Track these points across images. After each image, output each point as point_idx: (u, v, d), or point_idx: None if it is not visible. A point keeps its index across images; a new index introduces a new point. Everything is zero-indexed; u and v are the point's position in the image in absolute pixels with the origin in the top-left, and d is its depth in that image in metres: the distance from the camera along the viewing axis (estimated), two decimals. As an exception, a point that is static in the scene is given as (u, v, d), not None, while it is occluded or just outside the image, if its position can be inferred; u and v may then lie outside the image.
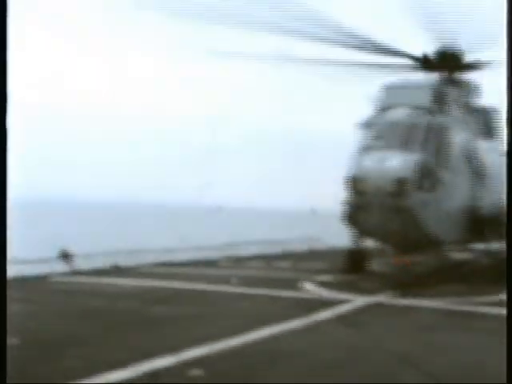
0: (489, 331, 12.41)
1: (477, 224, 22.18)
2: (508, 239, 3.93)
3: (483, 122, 25.74)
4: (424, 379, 8.55)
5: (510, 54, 4.34)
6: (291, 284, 18.92)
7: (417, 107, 20.64)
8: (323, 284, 19.03)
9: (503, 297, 17.10)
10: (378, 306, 15.70)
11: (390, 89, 21.59)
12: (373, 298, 16.52)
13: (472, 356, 10.35)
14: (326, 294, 17.21)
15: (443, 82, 22.67)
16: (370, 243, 22.12)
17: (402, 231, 18.66)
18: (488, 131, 25.92)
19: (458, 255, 32.55)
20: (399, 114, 20.46)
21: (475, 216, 22.15)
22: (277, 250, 31.81)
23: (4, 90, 3.52)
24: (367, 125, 20.88)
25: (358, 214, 19.54)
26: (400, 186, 18.35)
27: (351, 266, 22.28)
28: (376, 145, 19.98)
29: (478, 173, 22.69)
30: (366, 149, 20.06)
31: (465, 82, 24.55)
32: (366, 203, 18.99)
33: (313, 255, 30.73)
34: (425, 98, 20.94)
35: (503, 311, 14.61)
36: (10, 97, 3.59)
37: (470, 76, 24.70)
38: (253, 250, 30.33)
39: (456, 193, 20.93)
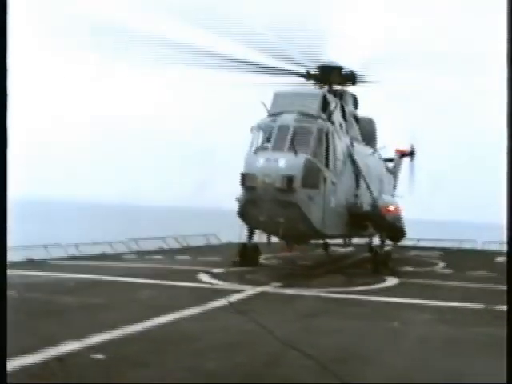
0: (364, 316, 13.90)
1: (356, 219, 24.33)
2: (508, 239, 4.34)
3: (361, 129, 28.42)
4: (306, 359, 9.42)
5: (510, 53, 4.38)
6: (189, 276, 19.80)
7: (304, 113, 22.23)
8: (217, 276, 20.06)
9: (378, 286, 19.04)
10: (266, 295, 16.79)
11: (280, 96, 23.13)
12: (261, 288, 17.63)
13: (350, 338, 11.49)
14: (219, 284, 18.21)
15: (329, 93, 24.76)
16: (262, 237, 23.41)
17: (288, 224, 19.78)
18: (365, 138, 28.66)
19: (341, 249, 34.69)
20: (288, 118, 21.88)
21: (355, 212, 24.28)
22: (178, 245, 33.04)
23: (4, 89, 3.59)
24: (259, 128, 22.26)
25: (249, 208, 20.78)
26: (287, 182, 19.64)
27: (243, 259, 23.75)
28: (266, 146, 21.40)
29: (357, 174, 24.87)
30: (257, 149, 21.45)
31: (346, 93, 27.25)
32: (255, 198, 20.19)
33: (210, 250, 32.00)
34: (312, 105, 22.62)
35: (376, 298, 16.43)
36: (10, 97, 3.75)
37: (350, 88, 27.46)
38: (157, 245, 31.41)
39: (338, 190, 22.79)
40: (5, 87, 3.66)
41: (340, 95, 26.66)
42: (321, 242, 33.17)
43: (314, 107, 22.70)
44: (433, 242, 41.75)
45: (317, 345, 10.61)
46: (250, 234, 24.17)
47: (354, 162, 24.83)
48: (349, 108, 27.47)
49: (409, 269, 25.01)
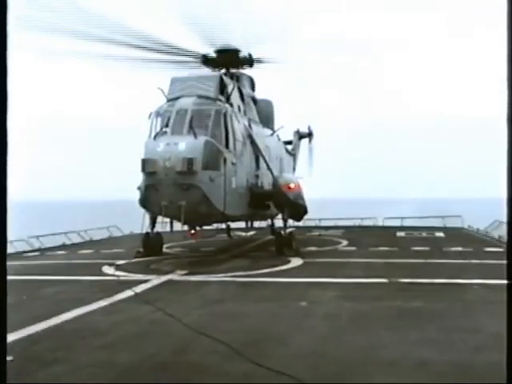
0: (271, 298, 13.90)
1: (258, 199, 24.54)
2: (508, 237, 4.27)
3: (260, 110, 28.57)
4: (217, 344, 9.36)
5: (510, 53, 4.34)
6: (93, 269, 19.41)
7: (202, 96, 22.06)
8: (122, 267, 19.68)
9: (283, 267, 19.12)
10: (172, 283, 16.59)
11: (177, 80, 22.89)
12: (167, 277, 17.44)
13: (259, 320, 11.47)
14: (124, 276, 17.86)
15: (226, 75, 24.71)
16: (165, 226, 23.12)
17: (190, 207, 19.65)
18: (263, 119, 28.91)
19: (244, 234, 34.79)
20: (185, 102, 21.69)
21: (257, 192, 24.57)
22: (81, 239, 32.17)
23: (4, 90, 3.52)
24: (157, 114, 21.91)
25: (150, 194, 20.44)
26: (187, 165, 19.51)
27: (147, 248, 23.52)
28: (165, 131, 21.12)
29: (257, 154, 25.03)
30: (156, 134, 21.12)
31: (242, 75, 27.31)
32: (156, 183, 19.88)
33: (113, 242, 31.32)
34: (209, 89, 22.50)
35: (282, 279, 16.49)
36: (10, 97, 3.60)
37: (248, 71, 27.55)
38: (59, 241, 30.36)
39: (239, 171, 22.89)
40: (5, 87, 3.55)
41: (237, 78, 26.67)
42: (223, 227, 33.33)
43: (212, 90, 22.66)
44: (334, 220, 42.59)
45: (226, 330, 10.55)
46: (153, 223, 23.93)
47: (253, 142, 24.95)
48: (246, 90, 27.57)
49: (312, 249, 25.32)
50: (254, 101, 28.73)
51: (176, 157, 19.65)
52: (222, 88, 23.26)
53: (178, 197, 19.61)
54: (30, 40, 20.34)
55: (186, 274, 18.07)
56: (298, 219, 28.04)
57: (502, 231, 29.14)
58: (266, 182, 25.51)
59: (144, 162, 20.12)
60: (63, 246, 28.94)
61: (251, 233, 35.66)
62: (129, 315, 12.13)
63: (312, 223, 40.32)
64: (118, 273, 18.52)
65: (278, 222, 28.90)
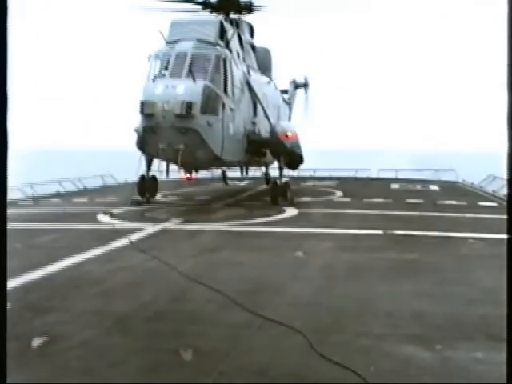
0: (267, 247, 13.94)
1: (255, 146, 24.66)
2: (509, 236, 4.22)
3: (259, 58, 28.28)
4: (211, 291, 9.44)
5: (510, 53, 4.39)
6: (88, 217, 19.34)
7: (201, 40, 21.86)
8: (116, 216, 19.65)
9: (278, 216, 19.15)
10: (167, 232, 16.56)
11: (177, 24, 22.59)
12: (162, 225, 17.40)
13: (255, 270, 11.50)
14: (118, 224, 17.82)
15: (226, 21, 24.38)
16: (161, 174, 23.25)
17: (188, 151, 19.73)
18: (261, 67, 28.69)
19: (238, 183, 34.79)
20: (185, 45, 21.47)
21: (254, 139, 24.64)
22: (75, 187, 31.95)
23: (4, 90, 3.41)
24: (156, 56, 21.70)
25: (148, 137, 20.41)
26: (186, 108, 19.46)
27: (142, 190, 23.85)
28: (164, 73, 20.96)
29: (255, 101, 24.91)
30: (155, 77, 20.96)
31: (242, 22, 26.94)
32: (154, 126, 19.83)
33: (108, 190, 31.16)
34: (209, 33, 22.25)
35: (277, 229, 16.51)
36: (10, 97, 3.51)
37: (247, 17, 27.16)
38: (53, 189, 30.13)
39: (237, 117, 22.84)
40: (5, 87, 3.41)
41: (236, 24, 26.31)
42: (218, 174, 33.33)
43: (212, 34, 22.46)
44: (329, 171, 42.54)
45: (222, 279, 10.59)
46: (149, 165, 24.16)
47: (251, 89, 24.80)
48: (245, 37, 27.27)
49: (307, 199, 25.33)
50: (253, 48, 28.45)
51: (175, 100, 19.55)
52: (222, 33, 23.02)
53: (175, 140, 19.62)
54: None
55: (181, 223, 18.06)
56: (294, 168, 28.05)
57: (496, 186, 29.27)
58: (263, 130, 25.48)
59: (142, 104, 20.00)
60: (57, 195, 28.78)
61: (245, 182, 35.69)
62: (124, 263, 12.12)
63: (306, 174, 40.28)
64: (112, 221, 18.50)
65: (273, 172, 28.81)
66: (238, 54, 24.65)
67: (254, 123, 25.09)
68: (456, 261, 12.38)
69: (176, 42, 21.90)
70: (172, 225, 17.75)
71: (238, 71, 23.51)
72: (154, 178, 24.62)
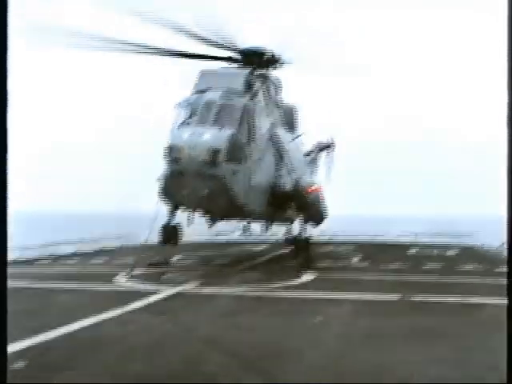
0: (281, 313, 13.87)
1: (279, 199, 24.70)
2: (508, 239, 4.20)
3: (285, 114, 28.49)
4: (228, 358, 9.36)
5: (510, 54, 4.30)
6: (106, 278, 19.40)
7: (229, 91, 22.22)
8: (135, 277, 19.72)
9: (297, 281, 19.08)
10: (185, 295, 16.58)
11: (206, 74, 23.06)
12: (180, 288, 17.41)
13: (270, 335, 11.42)
14: (137, 286, 17.87)
15: (252, 74, 24.50)
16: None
17: (212, 198, 19.91)
18: (288, 124, 28.84)
19: (257, 247, 34.79)
20: (213, 95, 21.80)
21: (278, 191, 24.69)
22: (93, 248, 32.21)
23: (4, 90, 3.47)
24: (184, 103, 22.05)
25: (173, 182, 20.51)
26: (212, 155, 19.68)
27: (165, 237, 23.47)
28: (191, 121, 21.17)
29: (280, 155, 25.12)
30: (182, 124, 21.20)
31: (271, 77, 27.08)
32: (180, 171, 20.00)
33: (126, 251, 31.25)
34: (237, 85, 22.71)
35: (296, 294, 16.44)
36: (10, 97, 3.61)
37: (276, 73, 27.38)
38: (71, 249, 30.43)
39: (262, 168, 23.08)
40: (5, 87, 3.56)
41: (264, 78, 26.47)
42: (235, 239, 33.30)
43: (240, 85, 22.84)
44: (346, 236, 42.45)
45: (241, 343, 10.54)
46: (172, 214, 23.69)
47: (276, 142, 24.96)
48: (272, 92, 27.37)
49: (325, 264, 25.20)
50: (279, 104, 28.66)
51: (201, 146, 19.74)
52: (250, 85, 23.35)
53: (200, 187, 19.69)
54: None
55: (198, 286, 18.05)
56: (318, 222, 27.96)
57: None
58: (288, 183, 25.54)
59: (169, 149, 20.12)
60: (74, 255, 28.95)
61: (263, 247, 35.63)
62: (142, 325, 12.14)
63: (324, 238, 40.21)
64: (130, 283, 18.57)
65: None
66: (263, 107, 24.88)
67: (277, 177, 25.15)
68: (474, 327, 12.25)
69: (204, 91, 22.17)
70: (190, 288, 17.74)
71: (263, 124, 23.77)
72: (175, 227, 24.03)
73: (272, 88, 27.93)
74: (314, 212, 25.33)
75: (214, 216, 22.44)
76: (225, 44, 24.34)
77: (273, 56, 26.30)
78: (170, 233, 23.75)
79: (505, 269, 23.52)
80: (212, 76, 23.08)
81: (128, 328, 11.89)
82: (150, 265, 23.07)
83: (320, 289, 17.47)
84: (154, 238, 23.94)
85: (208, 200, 19.78)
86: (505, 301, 14.89)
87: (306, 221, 25.47)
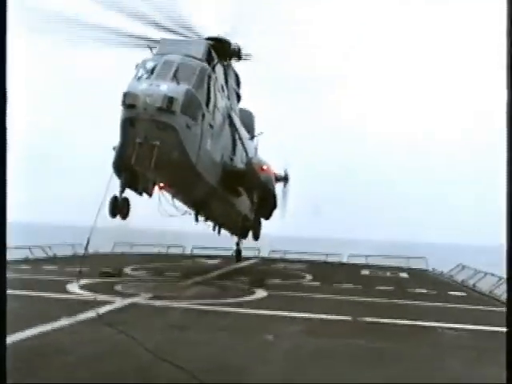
0: (232, 328, 13.85)
1: (230, 178, 24.78)
2: (508, 239, 4.12)
3: (242, 118, 28.42)
4: (176, 370, 9.32)
5: (510, 53, 4.30)
6: (57, 286, 19.14)
7: (189, 55, 21.99)
8: (86, 286, 19.45)
9: (248, 298, 19.02)
10: (136, 307, 16.44)
11: (167, 41, 22.79)
12: (131, 300, 17.26)
13: (219, 351, 11.38)
14: (88, 295, 17.65)
15: (213, 52, 24.09)
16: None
17: (164, 149, 19.33)
18: (245, 126, 28.82)
19: (209, 261, 34.66)
20: (173, 55, 21.55)
21: (229, 170, 24.80)
22: (45, 254, 31.65)
23: (4, 90, 3.41)
24: (143, 62, 21.61)
25: (126, 130, 19.89)
26: (167, 102, 19.35)
27: (114, 211, 22.50)
28: (149, 76, 20.69)
29: (234, 137, 25.17)
30: (139, 78, 20.75)
31: (230, 67, 26.93)
32: (134, 117, 19.44)
33: (77, 259, 30.79)
34: (197, 52, 22.45)
35: (246, 310, 16.36)
36: (10, 97, 3.50)
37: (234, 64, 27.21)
38: (22, 255, 29.80)
39: (216, 139, 23.02)
40: (4, 87, 3.52)
41: (225, 63, 26.15)
42: (188, 253, 33.03)
43: (200, 52, 22.54)
44: (300, 254, 42.58)
45: (189, 357, 10.47)
46: (123, 187, 22.89)
47: (232, 124, 24.99)
48: (231, 81, 27.33)
49: (277, 281, 25.21)
50: (238, 96, 28.61)
51: (157, 93, 19.42)
52: (209, 57, 23.06)
53: (153, 135, 19.24)
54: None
55: (150, 298, 17.89)
56: (267, 213, 27.78)
57: (465, 275, 29.56)
58: (240, 163, 25.64)
59: (125, 95, 19.64)
60: (26, 261, 28.43)
61: (217, 261, 35.54)
62: (90, 335, 11.97)
63: (277, 255, 40.30)
64: (82, 292, 18.29)
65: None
66: (222, 87, 24.66)
67: (231, 159, 25.15)
68: (425, 349, 12.36)
69: (163, 54, 21.88)
70: (141, 300, 17.57)
71: (220, 98, 23.61)
72: (126, 199, 23.04)
73: (232, 75, 27.66)
74: (264, 194, 25.20)
75: (164, 176, 21.61)
76: (186, 32, 24.17)
77: (234, 47, 26.07)
78: (121, 206, 22.74)
79: (454, 293, 23.96)
80: (173, 43, 22.74)
81: (78, 337, 11.70)
82: (103, 274, 22.80)
83: (271, 307, 17.44)
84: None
85: (160, 151, 19.15)
86: (454, 325, 15.13)
87: (257, 208, 25.46)
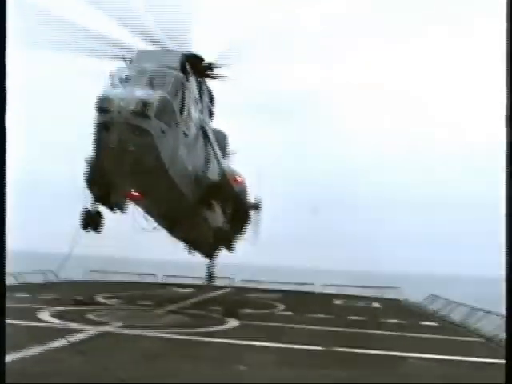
0: (205, 358, 13.74)
1: (204, 189, 24.50)
2: (508, 239, 4.11)
3: (216, 138, 28.20)
4: None
5: (509, 52, 4.35)
6: (27, 314, 18.90)
7: (164, 65, 21.96)
8: (57, 314, 19.24)
9: (220, 327, 18.96)
10: (108, 335, 16.26)
11: (142, 52, 22.72)
12: (103, 328, 17.09)
13: (191, 381, 11.32)
14: (60, 323, 17.47)
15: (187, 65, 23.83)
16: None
17: (138, 154, 19.20)
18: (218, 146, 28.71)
19: (182, 289, 34.51)
20: (148, 65, 21.54)
21: (202, 182, 24.45)
22: (15, 281, 31.20)
23: (3, 90, 3.43)
24: (118, 71, 21.57)
25: (100, 136, 19.61)
26: (142, 106, 19.20)
27: (87, 224, 22.63)
28: (124, 84, 20.64)
29: (208, 149, 25.00)
30: (113, 85, 20.70)
31: (204, 84, 26.64)
32: (108, 121, 19.20)
33: (49, 287, 30.55)
34: (172, 62, 22.39)
35: (219, 340, 16.32)
36: (9, 97, 3.50)
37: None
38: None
39: (191, 150, 22.90)
40: (4, 88, 3.54)
41: (199, 82, 25.91)
42: (161, 282, 32.75)
43: (175, 62, 22.41)
44: (272, 284, 42.55)
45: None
46: (96, 199, 22.91)
47: (206, 134, 24.83)
48: (205, 97, 26.97)
49: (250, 311, 25.14)
50: (211, 112, 28.25)
51: (132, 98, 19.27)
52: (184, 69, 22.83)
53: (128, 139, 19.07)
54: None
55: (122, 327, 17.72)
56: (240, 226, 27.69)
57: (437, 305, 29.83)
58: (214, 175, 25.40)
59: (99, 100, 19.43)
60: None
61: (189, 290, 35.38)
62: (60, 365, 11.83)
63: (250, 285, 40.25)
64: (53, 320, 18.09)
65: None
66: (195, 99, 24.34)
67: (203, 168, 24.75)
68: (393, 379, 12.44)
69: (139, 63, 21.89)
70: (113, 328, 17.40)
71: (194, 110, 23.41)
72: (98, 213, 23.09)
73: (206, 92, 27.25)
74: (237, 205, 25.08)
75: (138, 184, 21.36)
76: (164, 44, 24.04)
77: (210, 64, 25.75)
78: (93, 218, 22.64)
79: (427, 323, 24.13)
80: (148, 54, 22.67)
81: (49, 366, 11.59)
82: (75, 302, 22.62)
83: (243, 336, 17.40)
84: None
85: (134, 156, 19.05)
86: (426, 355, 15.26)
87: (231, 220, 25.34)
